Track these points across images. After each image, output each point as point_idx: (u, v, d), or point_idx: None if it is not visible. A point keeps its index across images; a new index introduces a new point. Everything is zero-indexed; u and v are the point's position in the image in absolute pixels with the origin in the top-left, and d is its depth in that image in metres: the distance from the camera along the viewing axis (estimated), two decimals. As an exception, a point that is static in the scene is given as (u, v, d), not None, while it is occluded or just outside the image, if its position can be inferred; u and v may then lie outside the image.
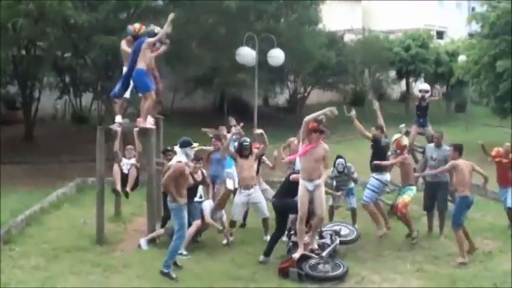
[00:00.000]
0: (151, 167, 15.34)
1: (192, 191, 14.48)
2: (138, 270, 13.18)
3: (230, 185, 15.91)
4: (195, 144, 13.63)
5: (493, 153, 17.02)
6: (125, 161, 16.62)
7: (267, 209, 15.66)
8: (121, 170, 16.57)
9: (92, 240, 15.15)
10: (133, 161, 16.64)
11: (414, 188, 15.80)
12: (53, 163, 26.63)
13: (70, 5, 23.11)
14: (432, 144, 16.84)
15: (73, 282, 12.36)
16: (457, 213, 14.46)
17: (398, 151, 15.89)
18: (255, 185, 15.61)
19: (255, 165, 16.02)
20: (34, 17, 23.42)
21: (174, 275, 12.51)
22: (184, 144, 13.11)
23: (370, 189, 15.94)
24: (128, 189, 16.40)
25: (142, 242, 14.83)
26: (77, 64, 29.45)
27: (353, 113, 16.05)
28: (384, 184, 16.35)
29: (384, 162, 15.79)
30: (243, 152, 15.58)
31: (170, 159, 15.21)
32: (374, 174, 16.00)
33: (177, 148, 13.47)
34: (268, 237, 15.22)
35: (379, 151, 16.08)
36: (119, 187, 16.26)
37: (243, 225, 16.76)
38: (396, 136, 16.24)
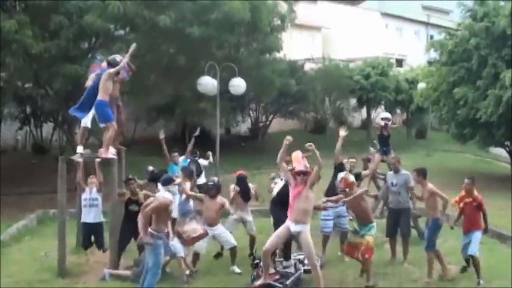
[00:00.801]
0: (113, 198, 15.27)
1: None
2: (101, 302, 13.06)
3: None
4: (177, 180, 13.67)
5: (456, 199, 15.40)
6: (87, 189, 16.48)
7: (232, 238, 15.70)
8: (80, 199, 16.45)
9: (54, 272, 14.99)
10: (95, 191, 16.49)
11: (374, 225, 14.66)
12: (14, 194, 26.32)
13: (30, 33, 22.97)
14: (391, 172, 16.93)
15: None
16: (430, 235, 14.83)
17: (347, 189, 14.57)
18: (218, 223, 15.69)
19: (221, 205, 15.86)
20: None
21: None
22: (167, 182, 13.18)
23: (325, 219, 16.21)
24: None
25: (106, 273, 14.69)
26: (37, 94, 29.24)
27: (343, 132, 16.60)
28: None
29: (332, 198, 15.02)
30: (209, 191, 15.61)
31: (132, 189, 15.26)
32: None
33: (160, 186, 13.55)
34: (235, 268, 15.28)
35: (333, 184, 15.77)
36: None
37: (219, 254, 16.62)
38: (341, 175, 15.16)
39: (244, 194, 16.46)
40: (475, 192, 15.01)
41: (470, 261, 14.86)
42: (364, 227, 14.34)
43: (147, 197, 15.27)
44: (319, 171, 13.32)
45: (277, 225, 14.02)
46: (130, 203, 15.56)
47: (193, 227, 14.67)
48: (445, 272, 15.00)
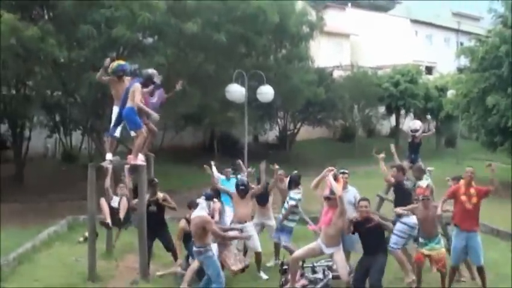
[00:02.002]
0: (142, 204, 15.35)
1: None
2: (129, 306, 13.17)
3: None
4: (217, 203, 14.20)
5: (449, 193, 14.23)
6: (115, 198, 16.56)
7: (258, 243, 15.77)
8: (109, 205, 16.44)
9: (84, 277, 15.10)
10: (124, 200, 16.56)
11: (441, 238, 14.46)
12: (43, 202, 26.55)
13: (53, 42, 23.15)
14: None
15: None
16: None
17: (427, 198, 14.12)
18: (249, 220, 15.79)
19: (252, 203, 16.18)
20: (20, 55, 23.51)
21: None
22: (210, 198, 13.51)
23: (396, 235, 14.78)
24: (121, 215, 16.08)
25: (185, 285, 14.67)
26: (66, 102, 29.52)
27: (382, 155, 16.23)
28: (412, 228, 14.78)
29: (407, 208, 14.48)
30: (240, 192, 15.76)
31: (154, 190, 15.85)
32: (400, 218, 14.84)
33: (200, 200, 13.62)
34: (262, 274, 15.33)
35: (401, 195, 15.34)
36: (108, 219, 16.10)
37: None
38: (421, 183, 15.28)
39: (261, 198, 16.51)
40: (478, 187, 13.86)
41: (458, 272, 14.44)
42: (433, 239, 13.92)
43: (165, 198, 15.95)
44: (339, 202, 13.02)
45: None
46: (150, 204, 15.83)
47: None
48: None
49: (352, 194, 15.28)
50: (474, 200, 13.65)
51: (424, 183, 15.28)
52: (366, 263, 12.71)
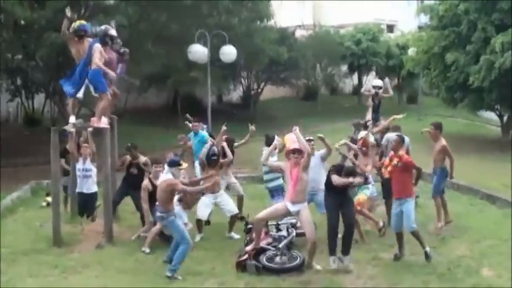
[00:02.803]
0: (106, 167, 15.33)
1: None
2: (96, 270, 13.16)
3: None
4: (183, 165, 13.83)
5: (385, 162, 14.14)
6: (80, 162, 16.51)
7: (234, 206, 15.97)
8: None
9: (49, 242, 15.04)
10: (88, 161, 16.55)
11: (370, 186, 15.27)
12: (6, 167, 26.32)
13: (18, 2, 22.88)
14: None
15: (32, 285, 12.33)
16: (438, 182, 15.91)
17: (364, 148, 15.33)
18: (220, 189, 15.83)
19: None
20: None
21: (179, 277, 12.65)
22: (173, 164, 13.33)
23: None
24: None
25: (146, 249, 14.77)
26: (27, 65, 29.18)
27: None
28: None
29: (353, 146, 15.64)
30: (211, 162, 15.74)
31: (134, 154, 16.19)
32: None
33: (166, 166, 13.80)
34: (234, 234, 15.48)
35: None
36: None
37: (207, 222, 16.66)
38: (362, 134, 16.10)
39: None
40: (401, 152, 13.75)
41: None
42: (360, 186, 14.70)
43: (146, 163, 15.96)
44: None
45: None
46: (131, 166, 16.15)
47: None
48: (448, 217, 15.85)
49: (317, 156, 15.29)
50: (390, 168, 13.64)
51: (361, 134, 15.96)
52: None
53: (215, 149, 16.08)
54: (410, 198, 13.60)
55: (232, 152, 17.07)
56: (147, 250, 14.38)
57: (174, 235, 13.13)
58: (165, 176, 13.38)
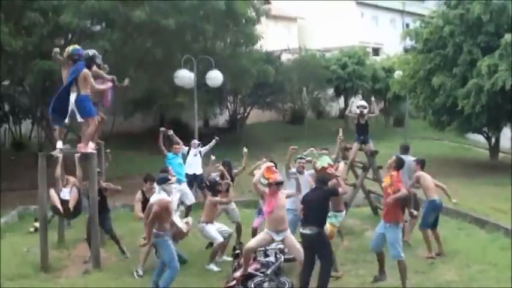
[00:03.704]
0: (93, 192, 15.32)
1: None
2: (83, 295, 13.16)
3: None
4: (172, 179, 13.90)
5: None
6: (64, 190, 16.42)
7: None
8: (59, 196, 16.38)
9: (36, 267, 15.03)
10: (74, 190, 16.47)
11: (342, 214, 15.17)
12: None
13: (6, 30, 22.95)
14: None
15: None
16: (426, 215, 15.97)
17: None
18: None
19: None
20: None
21: None
22: (162, 181, 13.32)
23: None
24: (70, 206, 16.04)
25: (139, 271, 14.78)
26: (15, 91, 29.19)
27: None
28: None
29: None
30: (215, 188, 15.81)
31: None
32: None
33: (155, 185, 13.73)
34: (224, 257, 15.76)
35: None
36: (59, 205, 16.00)
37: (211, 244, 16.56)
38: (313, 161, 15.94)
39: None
40: (394, 173, 13.52)
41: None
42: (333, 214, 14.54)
43: (107, 187, 16.38)
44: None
45: None
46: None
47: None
48: (440, 249, 15.86)
49: (305, 176, 15.42)
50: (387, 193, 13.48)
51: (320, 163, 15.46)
52: None
53: (214, 176, 16.21)
54: (394, 225, 13.26)
55: (232, 178, 17.11)
56: (140, 272, 14.53)
57: (164, 256, 13.10)
58: (158, 195, 13.29)
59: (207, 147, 21.35)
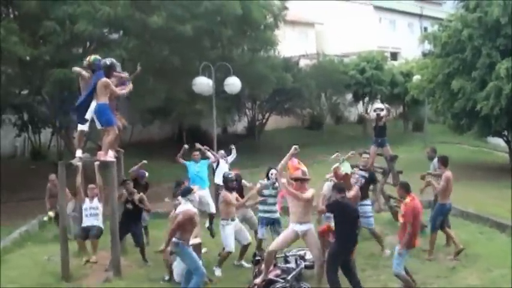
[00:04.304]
0: (113, 201, 15.33)
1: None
2: (104, 303, 13.17)
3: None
4: (195, 188, 14.14)
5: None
6: (87, 200, 16.49)
7: (248, 234, 16.10)
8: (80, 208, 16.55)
9: (57, 276, 15.05)
10: (96, 200, 16.53)
11: None
12: (13, 201, 26.37)
13: (16, 39, 23.03)
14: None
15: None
16: (434, 218, 16.13)
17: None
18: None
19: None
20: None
21: None
22: (186, 193, 13.53)
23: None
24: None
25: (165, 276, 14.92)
26: (33, 100, 29.31)
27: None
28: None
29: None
30: (228, 184, 15.79)
31: (128, 189, 16.19)
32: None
33: (180, 198, 13.92)
34: (243, 262, 15.89)
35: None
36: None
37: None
38: (335, 166, 15.74)
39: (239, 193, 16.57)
40: (408, 199, 13.22)
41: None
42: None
43: (141, 199, 16.30)
44: None
45: None
46: (127, 202, 16.33)
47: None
48: (457, 247, 15.89)
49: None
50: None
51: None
52: None
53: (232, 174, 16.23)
54: (400, 247, 13.10)
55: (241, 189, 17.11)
56: (166, 277, 14.71)
57: (187, 264, 13.11)
58: (184, 205, 13.42)
59: (232, 156, 21.32)
